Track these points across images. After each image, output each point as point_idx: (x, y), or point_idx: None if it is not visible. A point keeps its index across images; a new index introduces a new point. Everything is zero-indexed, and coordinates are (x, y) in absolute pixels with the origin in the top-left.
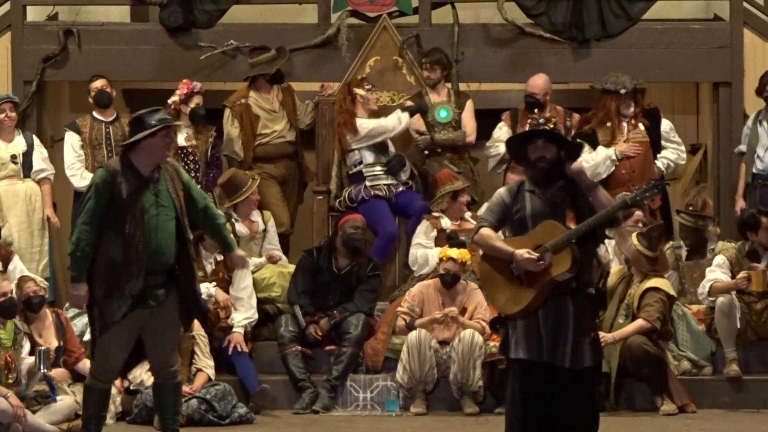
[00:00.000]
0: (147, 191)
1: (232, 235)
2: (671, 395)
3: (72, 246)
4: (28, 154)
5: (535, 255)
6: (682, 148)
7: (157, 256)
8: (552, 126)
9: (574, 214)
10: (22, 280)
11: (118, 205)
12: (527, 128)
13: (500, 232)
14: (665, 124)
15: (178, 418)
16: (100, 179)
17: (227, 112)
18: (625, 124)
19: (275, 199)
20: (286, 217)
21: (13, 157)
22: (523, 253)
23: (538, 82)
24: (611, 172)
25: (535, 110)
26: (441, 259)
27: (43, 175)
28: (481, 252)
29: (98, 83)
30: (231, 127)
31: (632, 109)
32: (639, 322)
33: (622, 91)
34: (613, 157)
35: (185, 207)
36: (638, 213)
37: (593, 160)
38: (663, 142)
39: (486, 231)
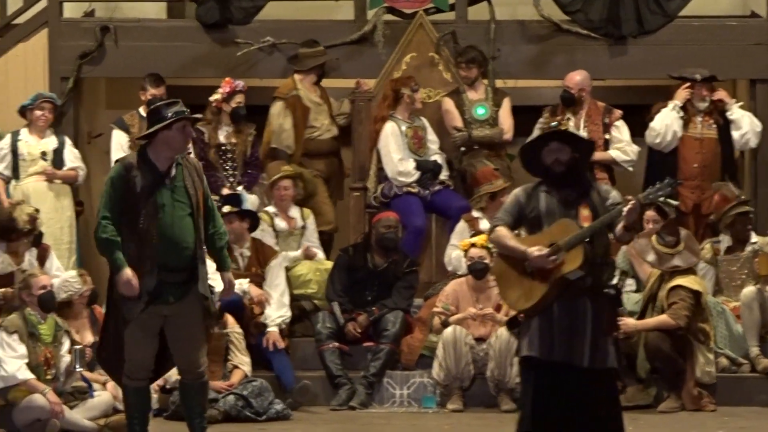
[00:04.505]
0: (162, 186)
1: (228, 258)
2: (679, 395)
3: (98, 243)
4: (59, 152)
5: (546, 251)
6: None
7: (173, 252)
8: (564, 128)
9: (590, 213)
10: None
11: (132, 199)
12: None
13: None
14: None
15: (205, 417)
16: (115, 173)
17: (279, 104)
18: (699, 119)
19: (323, 197)
20: (333, 215)
21: (43, 154)
22: (534, 250)
23: (576, 77)
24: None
25: (571, 106)
26: (465, 253)
27: (73, 166)
28: (495, 251)
29: (159, 91)
30: (284, 119)
31: (707, 104)
32: (663, 317)
33: (698, 77)
34: (678, 110)
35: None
36: (649, 213)
37: (657, 128)
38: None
39: (501, 230)
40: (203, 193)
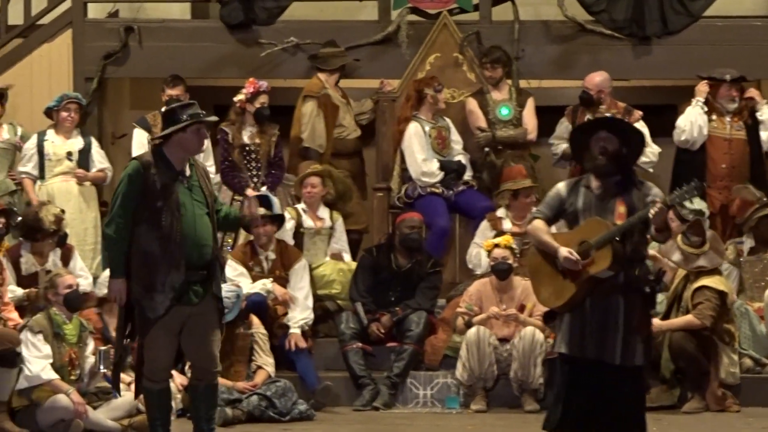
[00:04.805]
0: (180, 184)
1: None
2: (703, 395)
3: (106, 239)
4: (84, 153)
5: (575, 256)
6: None
7: (196, 249)
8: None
9: (626, 211)
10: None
11: (152, 197)
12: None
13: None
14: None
15: (214, 418)
16: (132, 170)
17: (311, 103)
18: (728, 120)
19: (356, 197)
20: (365, 215)
21: (69, 154)
22: (564, 252)
23: (596, 78)
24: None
25: (589, 106)
26: (489, 253)
27: (101, 167)
28: (519, 247)
29: (176, 91)
30: (317, 118)
31: (736, 104)
32: (688, 318)
33: (727, 77)
34: (701, 105)
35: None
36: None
37: (682, 125)
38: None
39: (537, 223)
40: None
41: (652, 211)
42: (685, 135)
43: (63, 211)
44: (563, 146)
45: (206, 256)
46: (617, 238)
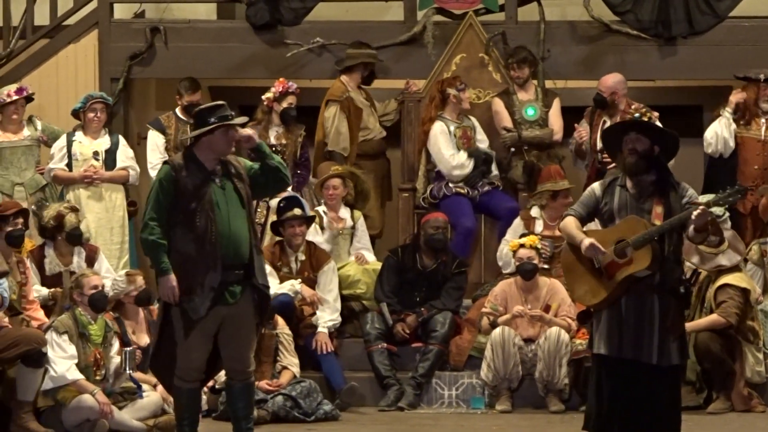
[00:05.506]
0: (213, 184)
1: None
2: (729, 396)
3: (144, 244)
4: (111, 152)
5: (599, 245)
6: None
7: (232, 248)
8: (647, 119)
9: (663, 211)
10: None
11: (185, 198)
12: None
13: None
14: None
15: (251, 418)
16: (164, 174)
17: (334, 107)
18: (763, 121)
19: (373, 201)
20: (380, 220)
21: (95, 154)
22: (587, 241)
23: (609, 81)
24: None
25: (603, 108)
26: (514, 253)
27: (123, 166)
28: (566, 241)
29: (195, 97)
30: (340, 122)
31: None
32: (713, 317)
33: (762, 77)
34: (729, 117)
35: (251, 194)
36: None
37: (708, 138)
38: None
39: (569, 220)
40: (249, 176)
41: (695, 213)
42: (711, 148)
43: (74, 209)
44: (573, 144)
45: (243, 255)
46: (655, 238)
